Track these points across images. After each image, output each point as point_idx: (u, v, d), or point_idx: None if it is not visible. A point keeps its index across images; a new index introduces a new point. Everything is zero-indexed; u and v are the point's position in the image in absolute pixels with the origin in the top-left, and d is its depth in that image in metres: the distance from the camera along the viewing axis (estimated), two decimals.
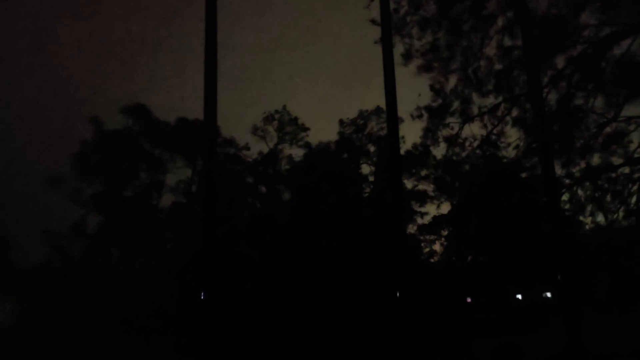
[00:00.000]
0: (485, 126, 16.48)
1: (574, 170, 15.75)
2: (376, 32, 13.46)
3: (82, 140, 32.68)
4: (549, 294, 37.78)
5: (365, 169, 33.51)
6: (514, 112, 16.00)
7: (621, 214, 15.69)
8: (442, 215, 32.63)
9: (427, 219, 33.46)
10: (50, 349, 24.07)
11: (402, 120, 30.19)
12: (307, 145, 33.47)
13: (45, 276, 32.98)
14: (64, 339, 25.89)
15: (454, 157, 18.53)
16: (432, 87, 16.22)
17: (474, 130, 17.12)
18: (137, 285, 29.68)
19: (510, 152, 16.88)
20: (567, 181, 15.60)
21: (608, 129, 14.95)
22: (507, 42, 15.11)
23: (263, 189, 33.84)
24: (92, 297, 28.70)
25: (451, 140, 17.29)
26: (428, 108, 16.66)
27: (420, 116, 16.87)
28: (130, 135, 33.40)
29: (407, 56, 15.66)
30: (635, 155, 15.27)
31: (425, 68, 15.75)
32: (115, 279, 30.68)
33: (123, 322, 26.08)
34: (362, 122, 33.21)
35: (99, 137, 32.74)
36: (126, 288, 29.29)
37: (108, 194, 32.34)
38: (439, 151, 20.20)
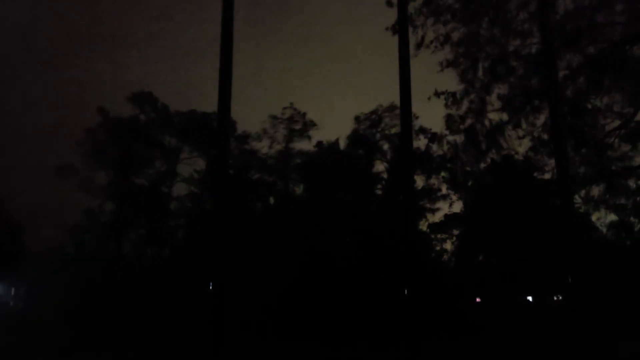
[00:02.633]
0: (500, 119, 16.23)
1: (587, 170, 15.56)
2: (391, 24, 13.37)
3: (87, 129, 32.74)
4: (559, 297, 37.42)
5: (379, 166, 33.40)
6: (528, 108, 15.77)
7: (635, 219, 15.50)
8: (455, 215, 32.46)
9: (438, 217, 33.35)
10: (59, 331, 24.45)
11: (417, 117, 30.30)
12: (318, 142, 33.41)
13: (58, 261, 33.47)
14: (74, 322, 26.28)
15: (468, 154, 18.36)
16: (462, 78, 15.88)
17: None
18: (148, 272, 29.98)
19: (523, 147, 16.56)
20: (581, 179, 15.40)
21: (623, 130, 14.73)
22: (529, 37, 14.86)
23: (276, 183, 33.89)
24: (102, 282, 29.07)
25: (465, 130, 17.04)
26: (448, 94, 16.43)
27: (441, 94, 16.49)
28: (138, 123, 33.42)
29: (420, 45, 15.54)
30: None
31: (447, 62, 15.59)
32: (126, 266, 31.05)
33: (133, 308, 26.39)
34: (376, 117, 32.99)
35: (106, 125, 32.80)
36: (137, 275, 29.62)
37: (119, 182, 32.53)
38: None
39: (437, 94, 16.11)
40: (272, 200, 33.80)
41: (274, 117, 33.82)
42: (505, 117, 15.91)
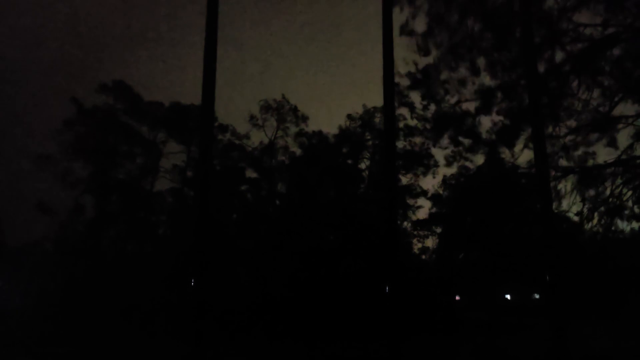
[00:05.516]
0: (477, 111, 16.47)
1: (562, 165, 15.92)
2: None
3: (65, 120, 32.03)
4: (537, 295, 38.04)
5: (365, 163, 33.54)
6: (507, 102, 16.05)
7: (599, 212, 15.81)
8: (438, 213, 32.81)
9: (421, 215, 33.72)
10: (36, 325, 24.05)
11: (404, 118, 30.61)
12: (306, 135, 33.34)
13: (35, 256, 32.91)
14: (51, 317, 25.86)
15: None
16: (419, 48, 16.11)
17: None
18: (129, 268, 29.63)
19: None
20: (554, 173, 15.71)
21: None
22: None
23: (259, 178, 33.71)
24: (82, 278, 28.67)
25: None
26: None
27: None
28: (113, 113, 32.79)
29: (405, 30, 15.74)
30: (623, 157, 15.45)
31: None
32: (106, 262, 30.65)
33: (112, 304, 26.06)
34: (367, 117, 33.12)
35: (79, 116, 32.25)
36: (117, 271, 29.26)
37: (98, 175, 31.99)
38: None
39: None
40: (256, 195, 33.64)
41: (262, 107, 33.66)
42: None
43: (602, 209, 15.68)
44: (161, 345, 19.29)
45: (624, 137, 15.14)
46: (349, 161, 32.69)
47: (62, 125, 31.97)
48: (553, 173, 15.51)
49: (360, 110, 33.33)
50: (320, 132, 33.17)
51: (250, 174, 33.94)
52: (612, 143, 15.10)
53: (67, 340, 20.87)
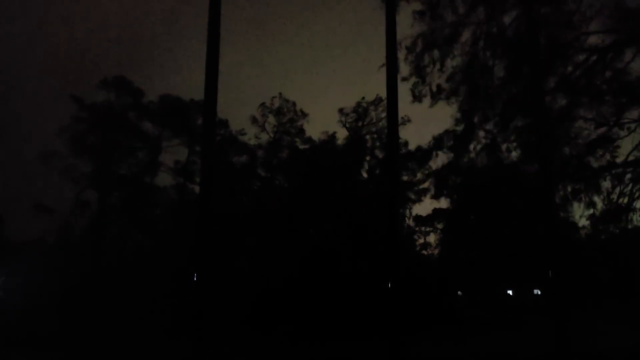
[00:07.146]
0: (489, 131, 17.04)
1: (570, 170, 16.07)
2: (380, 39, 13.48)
3: (73, 116, 32.00)
4: (538, 291, 38.08)
5: (366, 160, 33.43)
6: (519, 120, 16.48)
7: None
8: (441, 210, 32.81)
9: (424, 211, 33.71)
10: (39, 322, 24.10)
11: (410, 121, 30.77)
12: (308, 139, 33.24)
13: (38, 252, 32.95)
14: (52, 313, 25.90)
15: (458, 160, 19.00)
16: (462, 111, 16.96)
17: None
18: (130, 264, 29.66)
19: (512, 154, 17.26)
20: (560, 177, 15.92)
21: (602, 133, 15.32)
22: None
23: (262, 174, 33.64)
24: (83, 274, 28.70)
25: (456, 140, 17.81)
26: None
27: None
28: (115, 109, 32.72)
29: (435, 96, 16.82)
30: (630, 159, 15.57)
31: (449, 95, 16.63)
32: (107, 258, 30.67)
33: (113, 300, 26.08)
34: (361, 110, 32.87)
35: (81, 112, 32.26)
36: (118, 267, 29.28)
37: (100, 171, 31.97)
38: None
39: None
40: (256, 191, 33.60)
41: (262, 107, 33.56)
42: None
43: (610, 207, 15.80)
44: (161, 341, 19.32)
45: (628, 141, 15.31)
46: (351, 157, 32.57)
47: (65, 122, 32.04)
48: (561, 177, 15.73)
49: (357, 108, 33.19)
50: (323, 133, 33.10)
51: (250, 171, 33.91)
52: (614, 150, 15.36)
53: (68, 337, 20.87)
